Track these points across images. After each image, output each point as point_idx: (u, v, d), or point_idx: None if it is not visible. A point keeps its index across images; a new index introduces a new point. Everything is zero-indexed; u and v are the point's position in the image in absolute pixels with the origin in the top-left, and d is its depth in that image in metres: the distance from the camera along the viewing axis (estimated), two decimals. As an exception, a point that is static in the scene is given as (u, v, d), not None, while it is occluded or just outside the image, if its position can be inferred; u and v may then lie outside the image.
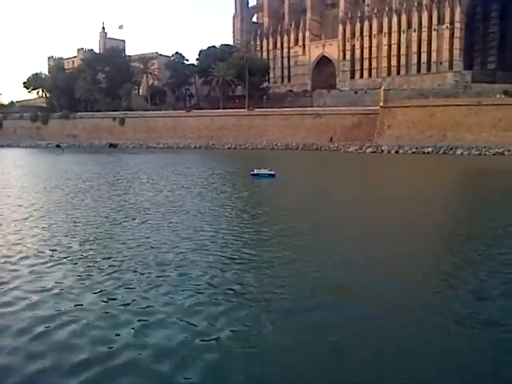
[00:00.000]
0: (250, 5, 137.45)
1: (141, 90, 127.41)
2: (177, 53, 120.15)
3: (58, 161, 55.81)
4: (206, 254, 11.84)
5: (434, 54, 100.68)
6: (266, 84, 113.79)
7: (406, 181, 33.59)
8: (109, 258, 11.60)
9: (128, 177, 34.39)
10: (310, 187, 29.80)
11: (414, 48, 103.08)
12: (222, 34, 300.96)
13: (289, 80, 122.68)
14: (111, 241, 13.42)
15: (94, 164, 49.77)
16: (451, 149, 66.79)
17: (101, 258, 11.62)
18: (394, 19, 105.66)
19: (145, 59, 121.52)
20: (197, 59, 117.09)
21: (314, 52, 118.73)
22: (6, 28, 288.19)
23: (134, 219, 16.96)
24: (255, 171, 32.44)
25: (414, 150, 68.81)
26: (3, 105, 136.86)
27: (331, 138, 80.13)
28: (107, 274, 10.22)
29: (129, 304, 8.52)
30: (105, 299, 8.77)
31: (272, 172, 31.86)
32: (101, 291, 9.19)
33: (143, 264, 11.00)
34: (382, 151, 71.30)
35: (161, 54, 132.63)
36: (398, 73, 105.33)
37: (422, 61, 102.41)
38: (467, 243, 13.90)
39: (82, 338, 7.18)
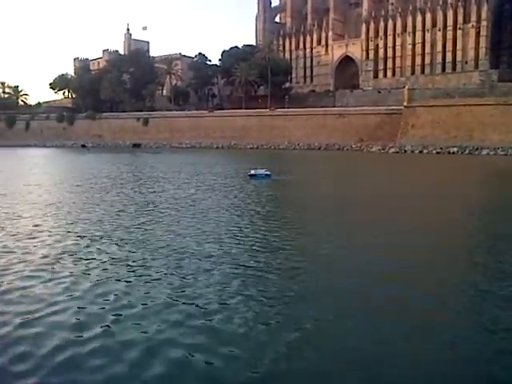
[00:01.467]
0: (272, 5, 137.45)
1: (164, 91, 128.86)
2: (200, 53, 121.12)
3: (84, 160, 56.93)
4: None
5: (459, 53, 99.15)
6: (288, 84, 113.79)
7: (432, 181, 33.14)
8: (135, 245, 11.97)
9: (153, 175, 34.96)
10: (321, 186, 29.60)
11: (439, 47, 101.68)
12: (245, 35, 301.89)
13: (311, 80, 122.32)
14: (138, 231, 13.79)
15: (118, 163, 50.67)
16: (477, 149, 65.78)
17: (127, 245, 11.99)
18: (419, 18, 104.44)
19: (168, 60, 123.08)
20: (219, 60, 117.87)
21: (337, 52, 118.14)
22: (33, 30, 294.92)
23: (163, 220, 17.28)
24: (252, 171, 31.72)
25: (439, 151, 67.99)
26: (30, 105, 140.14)
27: (361, 139, 79.27)
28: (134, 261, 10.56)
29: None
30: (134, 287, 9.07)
31: (268, 172, 31.58)
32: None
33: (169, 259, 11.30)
34: (406, 151, 70.66)
35: (184, 55, 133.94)
36: (423, 72, 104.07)
37: (446, 60, 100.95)
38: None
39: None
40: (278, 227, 15.16)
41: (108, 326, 7.49)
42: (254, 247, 12.57)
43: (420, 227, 15.94)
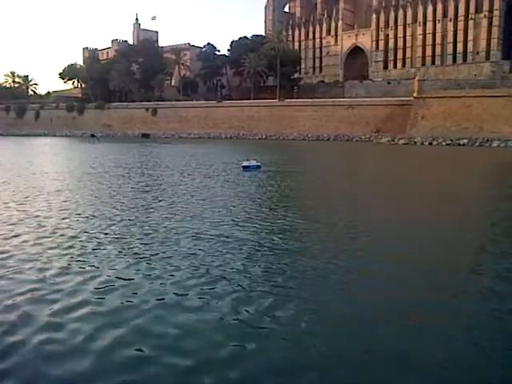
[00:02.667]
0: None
1: (173, 81, 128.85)
2: (209, 44, 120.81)
3: (95, 149, 57.29)
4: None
5: (470, 44, 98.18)
6: (297, 75, 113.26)
7: (445, 176, 33.05)
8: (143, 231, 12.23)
9: (162, 165, 35.24)
10: (317, 177, 29.56)
11: (450, 37, 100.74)
12: (254, 25, 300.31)
13: (320, 71, 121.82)
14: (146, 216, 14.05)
15: (128, 153, 51.04)
16: (487, 141, 65.27)
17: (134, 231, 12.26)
18: (430, 8, 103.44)
19: (177, 50, 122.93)
20: (228, 50, 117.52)
21: (347, 42, 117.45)
22: (43, 20, 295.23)
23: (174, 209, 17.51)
24: (246, 163, 31.07)
25: (449, 142, 67.58)
26: (40, 95, 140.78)
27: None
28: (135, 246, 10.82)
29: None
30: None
31: (258, 163, 31.29)
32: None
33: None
34: (415, 143, 70.30)
35: (193, 45, 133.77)
36: (433, 63, 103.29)
37: (457, 51, 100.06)
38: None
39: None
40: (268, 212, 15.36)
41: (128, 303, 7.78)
42: (250, 228, 12.86)
43: (436, 217, 16.02)
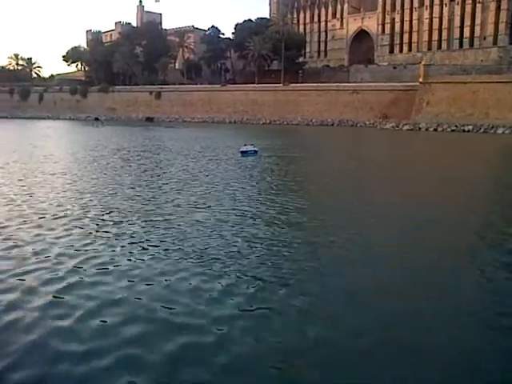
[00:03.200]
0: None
1: (177, 64, 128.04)
2: (213, 26, 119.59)
3: (98, 133, 57.32)
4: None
5: (477, 28, 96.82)
6: (302, 59, 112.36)
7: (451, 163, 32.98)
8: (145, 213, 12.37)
9: (165, 148, 35.30)
10: (313, 162, 29.60)
11: (457, 22, 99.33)
12: (259, 8, 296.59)
13: (325, 55, 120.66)
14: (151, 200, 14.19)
15: (130, 136, 51.09)
16: (492, 127, 64.87)
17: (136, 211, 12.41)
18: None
19: (181, 33, 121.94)
20: (233, 33, 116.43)
21: (352, 25, 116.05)
22: (47, 2, 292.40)
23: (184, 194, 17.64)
24: (243, 148, 30.89)
25: (454, 128, 67.25)
26: (43, 78, 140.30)
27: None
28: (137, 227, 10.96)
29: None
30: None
31: (256, 149, 31.06)
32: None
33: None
34: (420, 129, 70.01)
35: (197, 28, 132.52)
36: (439, 48, 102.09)
37: (464, 35, 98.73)
38: None
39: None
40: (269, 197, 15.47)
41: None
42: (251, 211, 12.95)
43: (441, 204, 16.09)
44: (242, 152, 30.42)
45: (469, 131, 65.55)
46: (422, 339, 6.53)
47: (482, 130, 65.12)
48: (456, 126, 67.31)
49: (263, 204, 15.17)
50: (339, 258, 9.86)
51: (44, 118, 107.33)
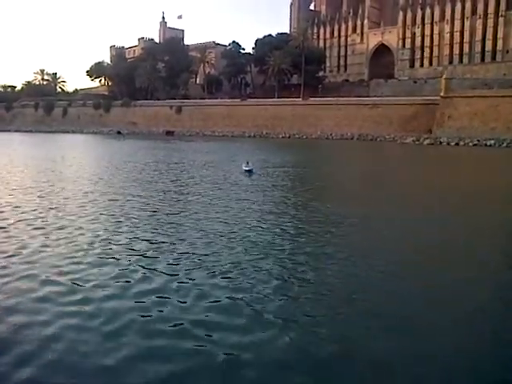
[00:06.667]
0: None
1: (198, 79, 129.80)
2: (233, 42, 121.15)
3: (122, 146, 58.34)
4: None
5: (499, 42, 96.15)
6: (321, 73, 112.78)
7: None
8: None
9: (190, 163, 35.73)
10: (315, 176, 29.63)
11: (479, 35, 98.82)
12: (279, 23, 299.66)
13: (345, 69, 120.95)
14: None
15: (154, 148, 51.87)
16: (515, 142, 63.88)
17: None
18: (458, 6, 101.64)
19: (202, 48, 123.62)
20: (253, 48, 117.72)
21: (372, 40, 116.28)
22: (71, 18, 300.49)
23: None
24: (245, 167, 29.11)
25: (476, 143, 66.40)
26: (68, 92, 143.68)
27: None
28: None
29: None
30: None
31: (251, 168, 29.06)
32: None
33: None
34: (441, 143, 69.30)
35: (218, 44, 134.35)
36: (461, 61, 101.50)
37: (486, 49, 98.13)
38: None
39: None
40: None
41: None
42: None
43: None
44: (247, 171, 28.69)
45: (491, 145, 64.67)
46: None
47: (504, 145, 64.17)
48: (478, 141, 66.45)
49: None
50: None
51: (68, 132, 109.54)
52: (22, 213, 15.44)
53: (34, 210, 15.91)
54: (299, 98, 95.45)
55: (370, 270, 9.85)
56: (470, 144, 66.51)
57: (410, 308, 8.17)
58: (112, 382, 5.84)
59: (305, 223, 14.61)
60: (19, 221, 14.14)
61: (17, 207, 16.49)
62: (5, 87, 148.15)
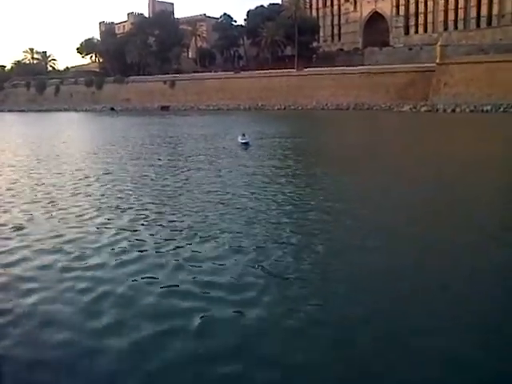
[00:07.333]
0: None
1: (190, 53, 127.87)
2: (225, 14, 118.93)
3: (117, 121, 57.92)
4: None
5: (495, 7, 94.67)
6: (315, 43, 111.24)
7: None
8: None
9: (185, 136, 35.58)
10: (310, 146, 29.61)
11: (474, 0, 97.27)
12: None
13: (339, 38, 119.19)
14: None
15: (149, 124, 51.55)
16: (512, 107, 63.70)
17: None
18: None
19: (193, 21, 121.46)
20: (245, 20, 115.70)
21: (366, 8, 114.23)
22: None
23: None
24: (241, 140, 28.81)
25: (472, 109, 66.16)
26: (59, 71, 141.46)
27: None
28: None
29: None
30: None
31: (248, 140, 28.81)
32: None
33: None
34: (438, 110, 69.07)
35: (208, 16, 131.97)
36: (456, 27, 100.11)
37: (481, 14, 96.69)
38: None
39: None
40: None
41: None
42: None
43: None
44: (244, 143, 28.33)
45: (487, 111, 64.50)
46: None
47: (501, 110, 64.01)
48: (474, 107, 66.22)
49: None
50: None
51: (60, 110, 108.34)
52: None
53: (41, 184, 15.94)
54: (293, 69, 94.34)
55: (365, 240, 9.72)
56: (467, 110, 66.31)
57: (407, 275, 8.06)
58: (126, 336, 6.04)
59: (300, 194, 14.57)
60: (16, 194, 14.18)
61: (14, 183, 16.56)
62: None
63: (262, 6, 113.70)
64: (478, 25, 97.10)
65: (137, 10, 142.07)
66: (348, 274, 7.92)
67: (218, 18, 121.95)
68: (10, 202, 13.50)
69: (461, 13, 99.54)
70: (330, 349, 5.71)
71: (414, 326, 6.32)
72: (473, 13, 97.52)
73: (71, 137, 39.22)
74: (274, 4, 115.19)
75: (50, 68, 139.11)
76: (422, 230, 10.43)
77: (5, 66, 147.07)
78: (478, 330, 6.20)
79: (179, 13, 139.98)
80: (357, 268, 8.13)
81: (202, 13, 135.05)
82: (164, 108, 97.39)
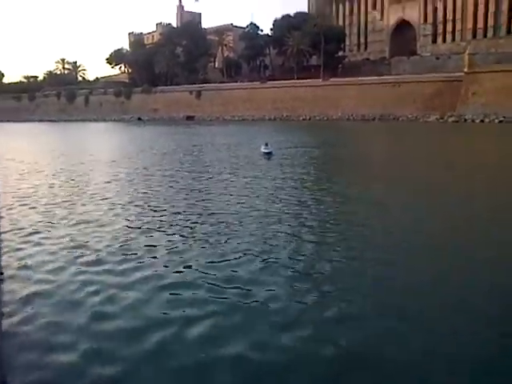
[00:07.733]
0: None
1: (216, 63, 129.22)
2: (251, 23, 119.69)
3: (143, 131, 59.01)
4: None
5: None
6: (341, 53, 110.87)
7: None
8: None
9: (208, 146, 35.97)
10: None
11: (504, 6, 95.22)
12: (297, 2, 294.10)
13: (365, 47, 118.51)
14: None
15: (175, 133, 52.31)
16: (544, 117, 62.14)
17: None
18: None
19: (220, 31, 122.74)
20: (271, 29, 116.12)
21: (393, 16, 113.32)
22: (90, 6, 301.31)
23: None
24: (264, 149, 28.68)
25: (501, 119, 64.82)
26: (89, 81, 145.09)
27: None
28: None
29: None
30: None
31: (271, 150, 28.89)
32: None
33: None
34: (466, 120, 67.92)
35: (235, 26, 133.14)
36: (485, 35, 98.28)
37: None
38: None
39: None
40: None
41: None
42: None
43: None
44: (266, 153, 28.36)
45: (517, 121, 63.06)
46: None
47: (532, 120, 62.51)
48: (504, 117, 64.83)
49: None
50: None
51: (90, 120, 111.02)
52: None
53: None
54: (319, 78, 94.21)
55: (388, 252, 9.87)
56: (496, 121, 65.01)
57: (425, 290, 8.12)
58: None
59: (320, 205, 14.59)
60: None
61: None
62: (27, 78, 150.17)
63: (288, 14, 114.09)
64: (508, 32, 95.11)
65: (165, 20, 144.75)
66: (366, 288, 8.03)
67: (244, 28, 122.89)
68: (33, 208, 14.46)
69: (490, 20, 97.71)
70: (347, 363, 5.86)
71: (432, 342, 6.30)
72: (503, 19, 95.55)
73: (103, 145, 40.48)
74: (300, 13, 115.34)
75: (80, 78, 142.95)
76: (445, 243, 10.59)
77: (37, 77, 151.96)
78: (499, 345, 6.22)
79: (206, 23, 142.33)
80: (374, 282, 8.27)
81: (228, 22, 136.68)
82: (189, 118, 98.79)
